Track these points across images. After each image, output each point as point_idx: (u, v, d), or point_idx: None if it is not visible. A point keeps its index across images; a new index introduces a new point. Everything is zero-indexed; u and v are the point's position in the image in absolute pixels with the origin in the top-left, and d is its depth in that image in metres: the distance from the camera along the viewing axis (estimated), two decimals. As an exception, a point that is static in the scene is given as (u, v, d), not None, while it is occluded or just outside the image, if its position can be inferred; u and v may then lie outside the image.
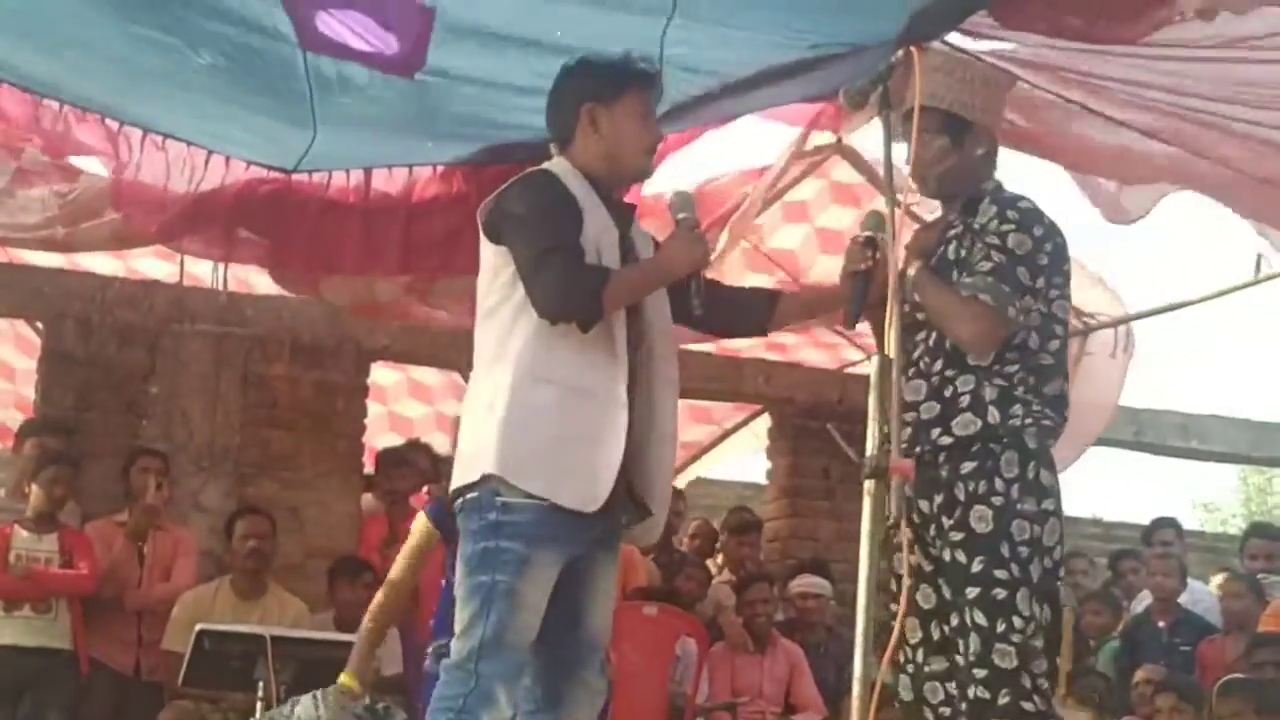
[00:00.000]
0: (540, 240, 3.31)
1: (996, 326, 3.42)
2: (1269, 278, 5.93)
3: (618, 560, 3.60)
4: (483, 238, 3.47)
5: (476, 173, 5.49)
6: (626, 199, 3.70)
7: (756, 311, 3.77)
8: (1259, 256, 5.26)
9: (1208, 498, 25.56)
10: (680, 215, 3.52)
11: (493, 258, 3.44)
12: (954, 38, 4.40)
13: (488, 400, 3.35)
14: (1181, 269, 28.79)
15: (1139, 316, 7.20)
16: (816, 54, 4.49)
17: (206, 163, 5.51)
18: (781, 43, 4.47)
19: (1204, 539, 11.78)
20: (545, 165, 3.54)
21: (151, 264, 7.29)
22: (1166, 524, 8.46)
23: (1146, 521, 8.49)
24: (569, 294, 3.28)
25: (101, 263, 7.14)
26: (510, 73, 4.70)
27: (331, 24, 4.57)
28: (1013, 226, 3.47)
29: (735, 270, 6.79)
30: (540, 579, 3.30)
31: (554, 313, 3.29)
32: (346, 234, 5.73)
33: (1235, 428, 10.85)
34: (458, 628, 3.33)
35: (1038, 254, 3.47)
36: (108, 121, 5.32)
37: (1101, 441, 8.63)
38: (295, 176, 5.66)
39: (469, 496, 3.35)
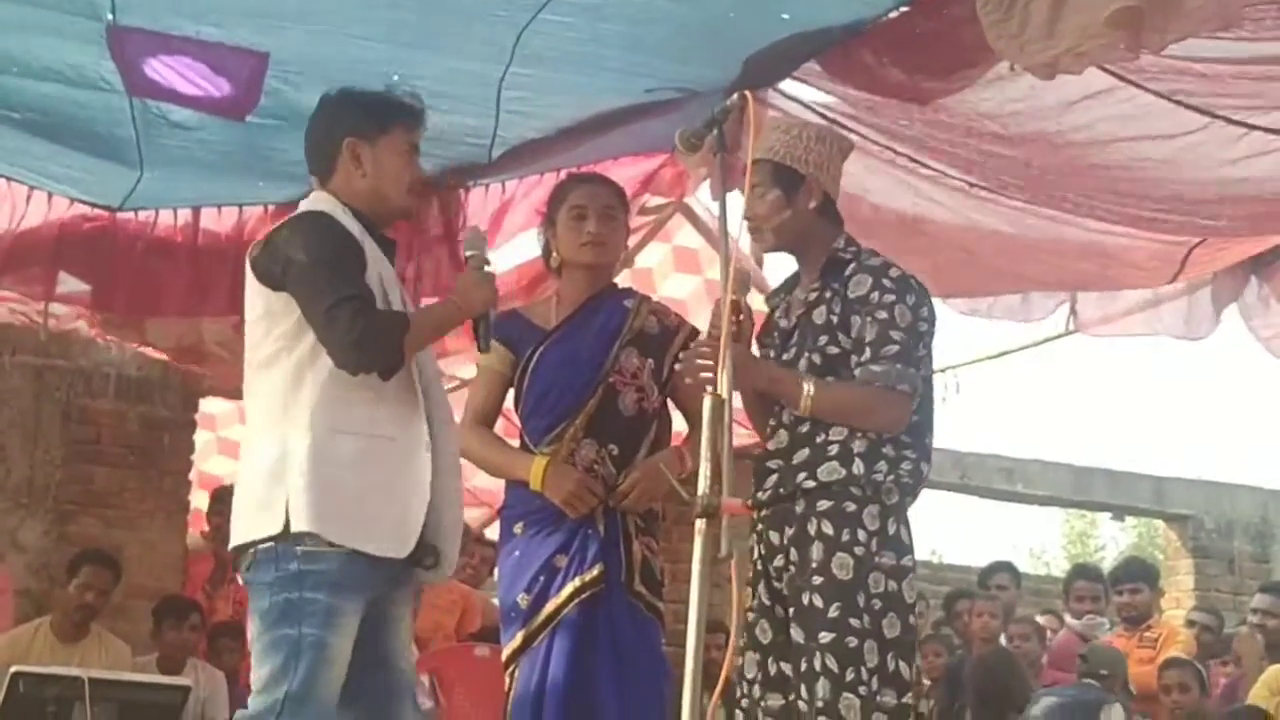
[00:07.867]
0: (331, 289, 3.20)
1: (909, 408, 3.47)
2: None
3: (410, 596, 3.53)
4: (254, 282, 3.34)
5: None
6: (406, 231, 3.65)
7: None
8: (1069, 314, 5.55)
9: (1032, 540, 26.22)
10: (470, 253, 3.50)
11: (269, 304, 3.30)
12: (787, 85, 4.47)
13: (279, 454, 3.23)
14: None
15: (964, 364, 7.34)
16: (651, 99, 4.54)
17: (28, 200, 5.35)
18: (617, 87, 4.51)
19: (1028, 580, 12.03)
20: (314, 205, 3.42)
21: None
22: (1002, 568, 8.67)
23: (975, 563, 8.63)
24: (368, 344, 3.20)
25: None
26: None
27: (160, 69, 4.47)
28: (894, 298, 3.48)
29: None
30: (347, 628, 3.23)
31: (355, 364, 3.21)
32: (174, 274, 5.59)
33: (1058, 472, 11.13)
34: (256, 684, 3.21)
35: (919, 322, 3.51)
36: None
37: (928, 484, 8.74)
38: (121, 215, 5.53)
39: (263, 548, 3.23)
